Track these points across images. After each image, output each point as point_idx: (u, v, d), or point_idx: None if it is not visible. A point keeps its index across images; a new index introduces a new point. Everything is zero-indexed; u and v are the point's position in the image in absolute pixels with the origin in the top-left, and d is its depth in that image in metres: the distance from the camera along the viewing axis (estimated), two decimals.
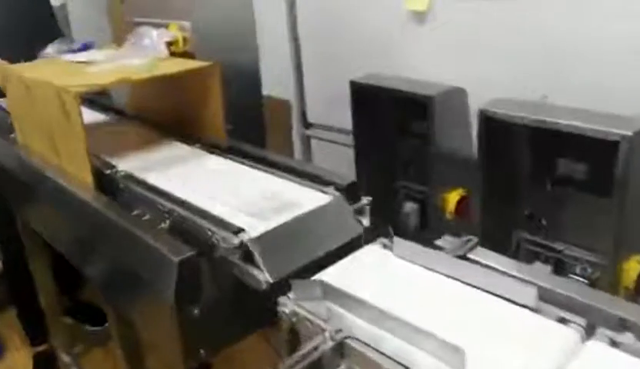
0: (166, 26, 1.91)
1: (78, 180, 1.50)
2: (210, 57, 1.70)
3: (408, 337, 0.88)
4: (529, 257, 1.98)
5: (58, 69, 1.76)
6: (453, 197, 2.15)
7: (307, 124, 3.04)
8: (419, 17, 2.28)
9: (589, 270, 1.82)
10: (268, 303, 1.08)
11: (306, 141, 3.11)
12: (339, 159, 2.88)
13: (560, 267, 1.91)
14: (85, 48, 2.41)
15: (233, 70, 1.85)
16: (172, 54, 1.78)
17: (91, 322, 2.82)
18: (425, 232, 2.43)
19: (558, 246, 1.90)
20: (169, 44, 1.82)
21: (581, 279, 1.83)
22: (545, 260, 1.94)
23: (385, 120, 2.39)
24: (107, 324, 2.75)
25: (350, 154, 2.77)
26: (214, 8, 1.97)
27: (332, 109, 2.77)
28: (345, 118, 2.58)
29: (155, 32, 1.75)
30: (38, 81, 1.61)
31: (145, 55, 1.66)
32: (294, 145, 3.28)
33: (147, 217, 1.35)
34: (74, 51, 2.57)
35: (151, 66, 1.59)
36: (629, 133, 1.45)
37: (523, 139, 1.85)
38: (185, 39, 1.90)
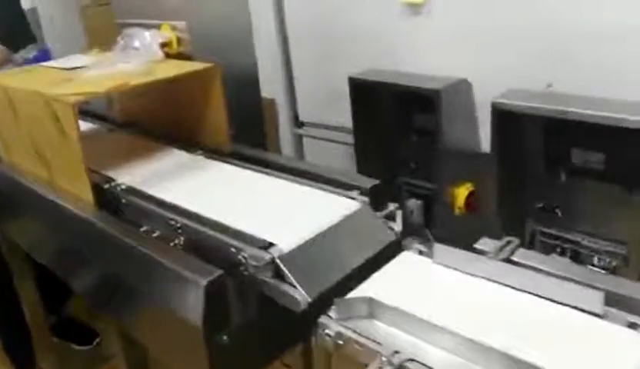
0: (158, 27, 1.79)
1: (75, 196, 1.38)
2: (208, 58, 1.60)
3: (476, 357, 0.81)
4: (545, 250, 1.93)
5: (43, 77, 1.62)
6: (462, 192, 2.08)
7: (299, 123, 2.95)
8: (415, 9, 2.21)
9: (607, 260, 1.78)
10: (301, 323, 1.00)
11: (298, 140, 3.02)
12: (334, 158, 2.81)
13: (576, 259, 1.86)
14: (40, 58, 2.28)
15: (232, 71, 1.74)
16: (167, 55, 1.66)
17: (79, 341, 2.70)
18: (430, 229, 2.37)
19: (574, 237, 1.85)
20: (163, 45, 1.70)
21: (600, 269, 1.79)
22: (561, 252, 1.89)
23: (386, 116, 2.31)
24: (96, 342, 2.68)
25: (345, 151, 2.70)
26: (209, 7, 1.86)
27: (327, 107, 2.68)
28: (340, 116, 2.51)
29: (147, 33, 1.63)
30: (22, 91, 1.49)
31: (140, 58, 1.55)
32: (281, 145, 3.19)
33: (157, 233, 1.25)
34: (28, 61, 2.44)
35: (147, 69, 1.48)
36: None
37: (536, 130, 1.79)
38: (179, 40, 1.79)
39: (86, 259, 1.34)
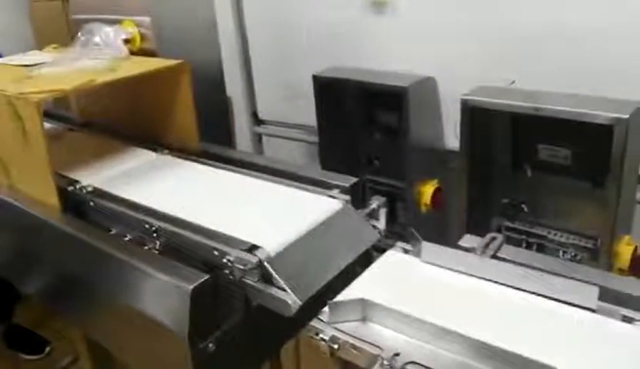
0: (119, 23, 1.71)
1: (40, 202, 1.30)
2: (173, 55, 1.54)
3: (479, 356, 0.80)
4: (511, 244, 1.96)
5: (1, 75, 1.51)
6: (428, 189, 2.10)
7: (258, 121, 2.90)
8: (379, 7, 2.20)
9: (573, 253, 1.82)
10: (288, 327, 0.97)
11: (257, 138, 2.98)
12: (294, 156, 2.78)
13: (542, 252, 1.90)
14: None
15: (197, 68, 1.68)
16: (129, 52, 1.59)
17: (29, 350, 2.58)
18: (393, 225, 2.38)
19: (540, 231, 1.89)
20: (125, 42, 1.63)
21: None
22: (527, 246, 1.92)
23: (351, 114, 2.30)
24: (47, 350, 2.57)
25: (306, 149, 2.68)
26: (174, 3, 1.79)
27: (288, 105, 2.65)
28: (301, 114, 2.48)
29: (109, 29, 1.56)
30: None
31: (102, 55, 1.47)
32: (237, 142, 3.13)
33: (128, 237, 1.19)
34: None
35: (112, 66, 1.41)
36: (625, 116, 1.44)
37: (504, 126, 1.82)
38: (142, 36, 1.71)
39: (54, 266, 1.26)
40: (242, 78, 2.84)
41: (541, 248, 1.90)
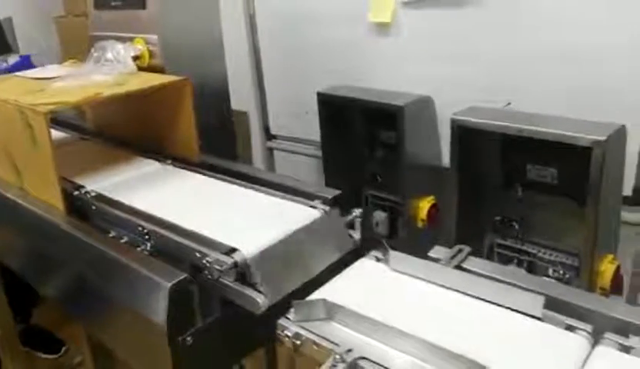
0: (131, 40, 1.83)
1: (47, 204, 1.41)
2: (179, 71, 1.65)
3: (422, 354, 0.87)
4: (502, 261, 2.01)
5: (15, 86, 1.65)
6: (424, 205, 2.16)
7: (270, 136, 3.00)
8: (383, 29, 2.29)
9: (561, 271, 1.86)
10: (263, 326, 1.04)
11: (268, 152, 3.08)
12: (304, 170, 2.87)
13: (533, 270, 1.94)
14: (20, 65, 2.29)
15: (203, 84, 1.80)
16: (138, 68, 1.71)
17: (46, 349, 2.70)
18: (394, 240, 2.44)
19: (530, 249, 1.93)
20: (135, 58, 1.74)
21: (554, 280, 1.87)
22: (518, 264, 1.97)
23: (353, 130, 2.39)
24: (63, 351, 2.68)
25: (315, 164, 2.77)
26: (182, 21, 1.91)
27: (297, 120, 2.75)
28: (310, 129, 2.57)
29: (120, 46, 1.67)
30: None
31: (112, 70, 1.59)
32: (253, 157, 3.25)
33: (125, 239, 1.28)
34: (9, 68, 2.45)
35: (120, 81, 1.53)
36: (602, 138, 1.49)
37: (494, 146, 1.88)
38: (150, 53, 1.83)
39: (56, 264, 1.37)
40: (255, 94, 2.95)
41: (531, 265, 1.95)
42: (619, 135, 1.58)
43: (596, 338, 0.91)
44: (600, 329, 0.92)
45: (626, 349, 0.88)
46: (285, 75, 2.77)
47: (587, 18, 1.79)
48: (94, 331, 1.39)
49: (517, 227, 1.95)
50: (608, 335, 0.91)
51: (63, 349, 2.71)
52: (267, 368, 1.24)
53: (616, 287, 1.63)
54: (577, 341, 0.90)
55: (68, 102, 1.35)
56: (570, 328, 0.93)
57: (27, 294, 2.34)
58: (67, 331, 2.70)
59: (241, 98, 2.90)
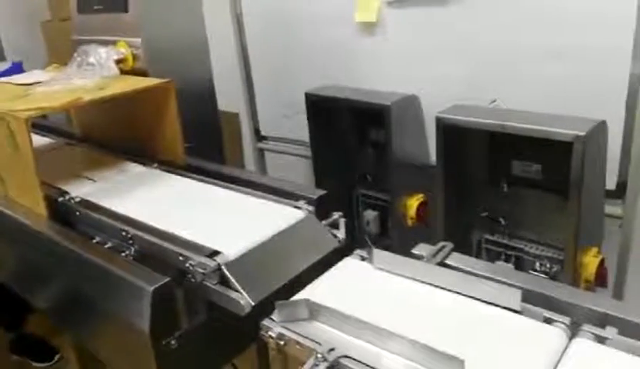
0: (114, 43, 1.83)
1: (30, 211, 1.41)
2: (164, 73, 1.65)
3: (403, 351, 0.87)
4: (490, 257, 2.02)
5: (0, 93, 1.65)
6: (413, 203, 2.17)
7: (260, 137, 3.01)
8: (369, 28, 2.30)
9: (548, 265, 1.87)
10: (248, 327, 1.05)
11: (259, 153, 3.08)
12: (295, 171, 2.87)
13: (520, 265, 1.96)
14: (12, 71, 2.29)
15: (188, 86, 1.80)
16: (122, 72, 1.71)
17: (38, 358, 2.69)
18: (385, 238, 2.45)
19: (517, 244, 1.95)
20: (118, 61, 1.74)
21: (541, 275, 1.88)
22: (506, 259, 1.98)
23: (342, 130, 2.39)
24: (56, 359, 2.67)
25: (306, 164, 2.77)
26: (165, 24, 1.91)
27: (287, 121, 2.75)
28: (300, 130, 2.57)
29: (102, 50, 1.67)
30: None
31: (94, 74, 1.59)
32: (244, 158, 3.25)
33: (109, 245, 1.28)
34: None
35: (101, 85, 1.53)
36: (582, 133, 1.51)
37: (479, 143, 1.89)
38: (134, 56, 1.83)
39: (40, 272, 1.37)
40: (244, 95, 2.96)
41: (518, 260, 1.96)
42: (600, 130, 1.59)
43: (574, 330, 0.92)
44: (578, 321, 0.93)
45: (602, 340, 0.89)
46: (274, 76, 2.77)
47: (569, 15, 1.80)
48: (80, 338, 1.39)
49: (503, 222, 1.96)
50: (586, 327, 0.92)
51: (56, 357, 2.70)
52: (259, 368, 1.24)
53: (601, 279, 1.65)
54: (554, 334, 0.91)
55: (48, 108, 1.36)
56: (548, 321, 0.94)
57: (18, 303, 2.33)
58: (60, 339, 2.69)
59: (232, 99, 2.91)
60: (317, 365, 0.88)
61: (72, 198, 1.44)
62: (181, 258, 1.12)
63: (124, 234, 1.25)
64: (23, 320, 2.72)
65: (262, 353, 1.19)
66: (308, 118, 2.38)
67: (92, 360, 1.64)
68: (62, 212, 1.42)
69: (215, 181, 1.51)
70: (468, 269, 1.11)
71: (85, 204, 1.42)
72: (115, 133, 1.79)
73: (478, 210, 1.99)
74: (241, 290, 1.05)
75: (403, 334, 0.88)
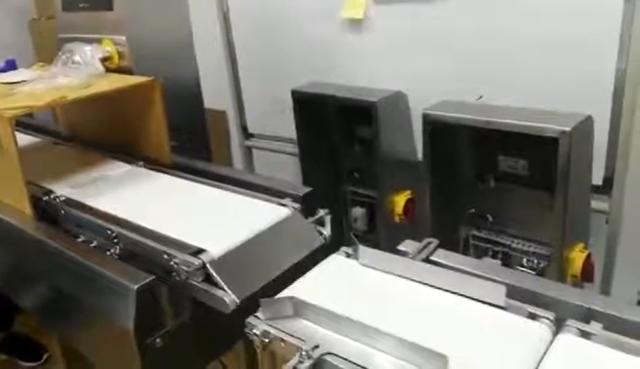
0: (99, 41, 1.82)
1: (15, 210, 1.39)
2: (149, 71, 1.64)
3: (387, 348, 0.87)
4: (478, 253, 2.03)
5: None
6: (400, 200, 2.17)
7: (248, 135, 3.00)
8: (356, 25, 2.29)
9: (535, 261, 1.88)
10: (234, 325, 1.04)
11: (247, 151, 3.07)
12: (283, 168, 2.87)
13: (507, 261, 1.97)
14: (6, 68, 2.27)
15: (173, 84, 1.79)
16: (108, 70, 1.69)
17: (27, 357, 2.67)
18: (373, 235, 2.45)
19: (504, 240, 1.95)
20: (104, 59, 1.73)
21: (528, 271, 1.89)
22: (494, 255, 1.99)
23: (329, 127, 2.39)
24: (45, 358, 2.66)
25: (294, 162, 2.76)
26: (150, 22, 1.89)
27: (274, 119, 2.74)
28: (288, 127, 2.57)
29: (87, 48, 1.66)
30: None
31: (80, 73, 1.58)
32: (232, 156, 3.24)
33: (94, 243, 1.28)
34: None
35: (86, 84, 1.51)
36: (568, 129, 1.51)
37: (466, 139, 1.90)
38: (120, 54, 1.82)
39: (25, 271, 1.36)
40: (231, 93, 2.95)
41: (506, 256, 1.97)
42: (585, 126, 1.60)
43: (558, 326, 0.92)
44: (563, 316, 0.94)
45: (587, 335, 0.89)
46: (261, 73, 2.77)
47: (556, 10, 1.81)
48: (66, 337, 1.38)
49: (490, 218, 1.97)
50: (570, 322, 0.92)
51: (45, 356, 2.68)
52: (246, 365, 1.24)
53: (587, 274, 1.66)
54: (539, 329, 0.91)
55: (32, 106, 1.34)
56: (532, 316, 0.94)
57: (7, 303, 2.32)
58: (49, 338, 2.67)
59: (219, 96, 2.90)
60: (301, 362, 0.88)
61: (57, 197, 1.43)
62: (165, 256, 1.11)
63: (109, 232, 1.25)
64: (12, 320, 2.70)
65: (250, 350, 1.19)
66: (295, 116, 2.38)
67: (79, 359, 1.63)
68: (48, 211, 1.41)
69: (201, 179, 1.51)
70: (454, 265, 1.11)
71: (70, 202, 1.41)
72: (101, 132, 1.78)
73: (465, 206, 1.99)
74: (226, 288, 1.05)
75: (387, 330, 0.88)
